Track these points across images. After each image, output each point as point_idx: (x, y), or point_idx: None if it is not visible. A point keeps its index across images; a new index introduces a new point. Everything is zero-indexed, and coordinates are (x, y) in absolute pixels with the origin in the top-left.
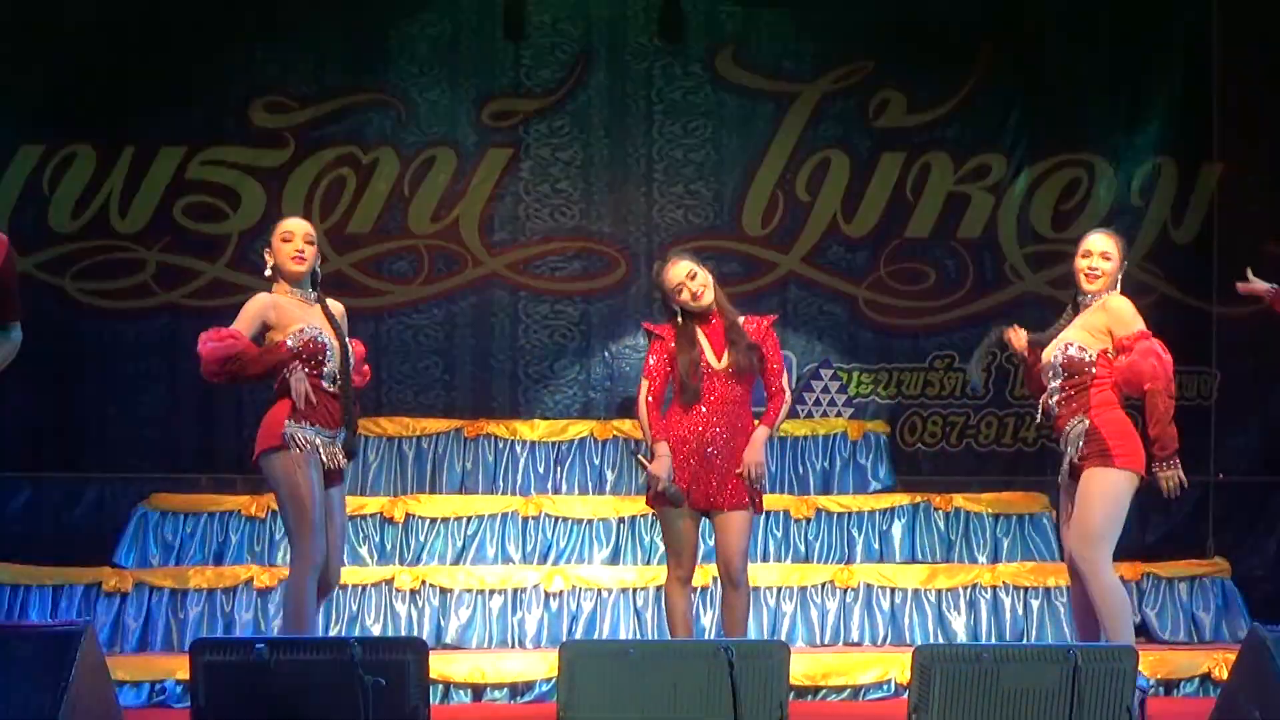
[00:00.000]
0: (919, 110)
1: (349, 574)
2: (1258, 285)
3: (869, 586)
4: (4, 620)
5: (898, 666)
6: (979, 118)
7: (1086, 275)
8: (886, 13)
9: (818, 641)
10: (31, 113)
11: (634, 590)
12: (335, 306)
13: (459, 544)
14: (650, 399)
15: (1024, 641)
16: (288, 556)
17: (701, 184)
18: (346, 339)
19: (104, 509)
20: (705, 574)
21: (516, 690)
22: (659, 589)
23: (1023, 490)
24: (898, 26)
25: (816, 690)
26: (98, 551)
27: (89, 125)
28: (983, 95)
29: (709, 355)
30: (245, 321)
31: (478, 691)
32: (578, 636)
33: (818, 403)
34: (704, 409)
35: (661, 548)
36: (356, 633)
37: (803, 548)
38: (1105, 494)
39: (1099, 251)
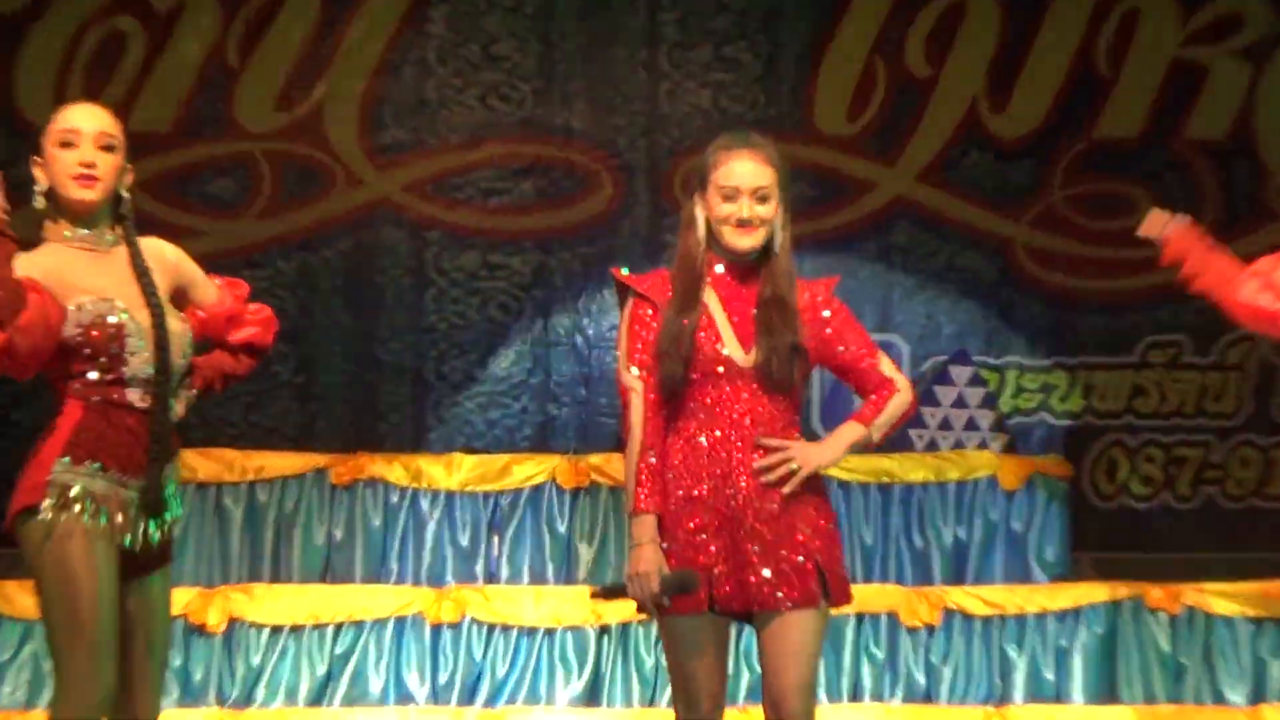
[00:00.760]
0: None
1: None
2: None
3: None
4: None
5: None
6: None
7: None
8: None
9: None
10: None
11: None
12: (156, 254)
13: (322, 670)
14: (647, 419)
15: None
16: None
17: (744, 45)
18: (165, 311)
19: None
20: None
21: None
22: None
23: None
24: None
25: None
26: None
27: None
28: None
29: (727, 336)
30: None
31: None
32: None
33: (946, 425)
34: (720, 432)
35: (668, 680)
36: None
37: (921, 678)
38: None
39: None
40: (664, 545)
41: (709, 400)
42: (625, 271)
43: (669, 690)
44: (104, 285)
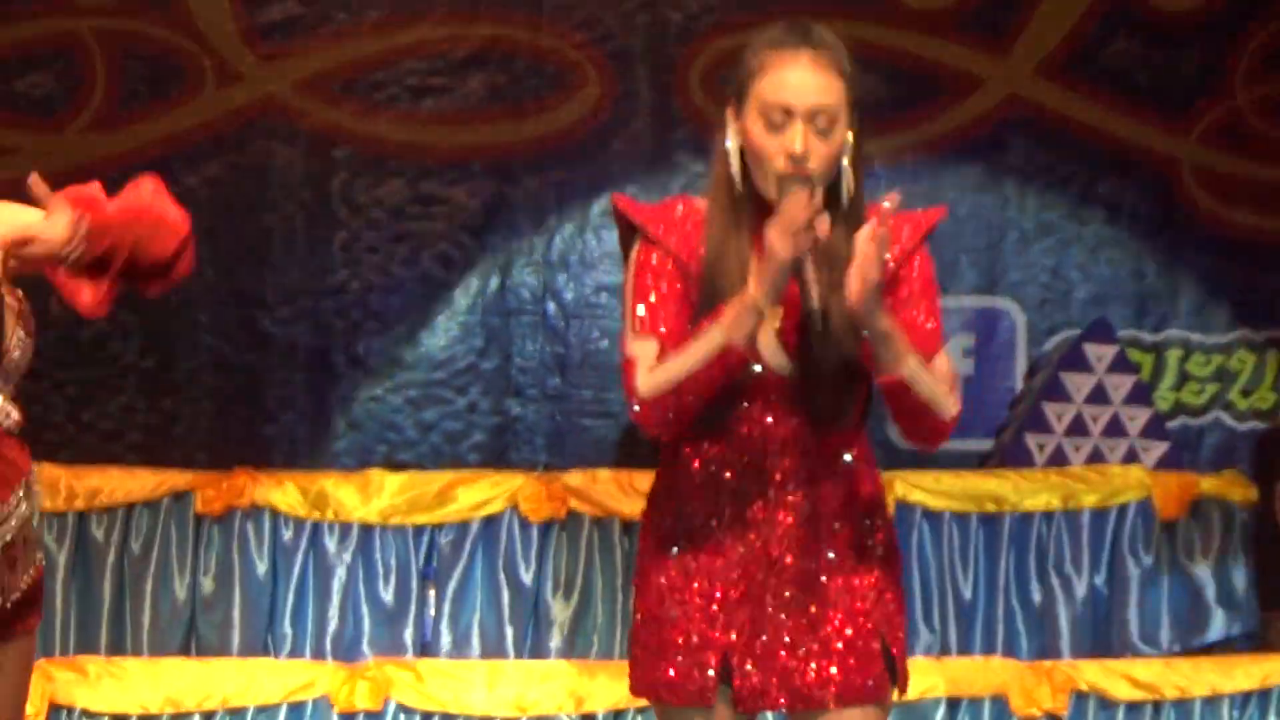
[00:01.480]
0: None
1: None
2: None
3: None
4: None
5: None
6: None
7: None
8: None
9: None
10: None
11: None
12: None
13: None
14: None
15: None
16: None
17: None
18: None
19: None
20: None
21: None
22: None
23: None
24: None
25: None
26: None
27: None
28: None
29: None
30: None
31: None
32: None
33: (1079, 428)
34: (748, 461)
35: None
36: None
37: None
38: None
39: None
40: (672, 613)
41: (732, 421)
42: (627, 200)
43: None
44: None
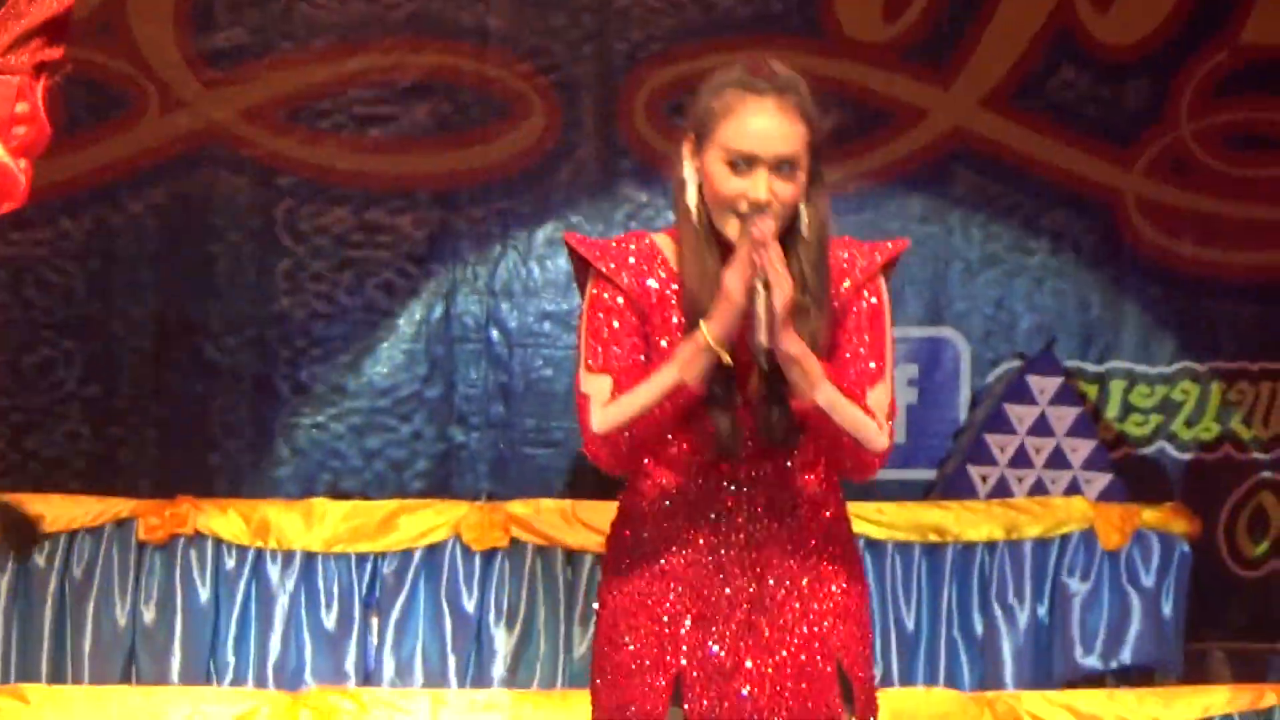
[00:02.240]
0: None
1: None
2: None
3: None
4: None
5: None
6: None
7: None
8: None
9: None
10: None
11: None
12: None
13: None
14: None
15: None
16: None
17: None
18: None
19: None
20: None
21: None
22: None
23: None
24: None
25: None
26: None
27: None
28: None
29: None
30: None
31: None
32: None
33: (1022, 460)
34: (705, 484)
35: None
36: None
37: None
38: None
39: None
40: (625, 638)
41: (689, 447)
42: (579, 228)
43: None
44: None
